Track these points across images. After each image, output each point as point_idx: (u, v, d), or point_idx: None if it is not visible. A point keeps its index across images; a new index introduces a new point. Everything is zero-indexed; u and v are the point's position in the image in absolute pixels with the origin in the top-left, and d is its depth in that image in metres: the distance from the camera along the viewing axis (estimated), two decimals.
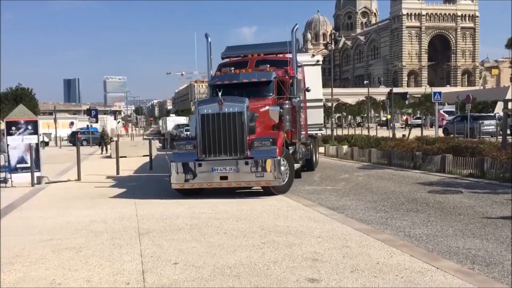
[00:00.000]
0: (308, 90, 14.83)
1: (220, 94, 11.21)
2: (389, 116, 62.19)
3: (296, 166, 12.49)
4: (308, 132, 15.79)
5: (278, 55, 13.57)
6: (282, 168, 10.58)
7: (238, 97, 11.28)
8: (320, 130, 17.54)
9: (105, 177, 16.12)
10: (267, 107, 11.53)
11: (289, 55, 12.91)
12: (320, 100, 17.08)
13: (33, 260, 6.06)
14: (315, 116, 16.51)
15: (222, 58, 14.67)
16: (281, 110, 11.58)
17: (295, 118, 12.51)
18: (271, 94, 12.02)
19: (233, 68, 12.91)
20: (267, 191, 10.73)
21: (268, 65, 12.44)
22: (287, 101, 11.84)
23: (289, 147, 12.16)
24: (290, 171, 11.08)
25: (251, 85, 12.15)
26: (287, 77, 12.35)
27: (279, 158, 10.31)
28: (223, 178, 10.39)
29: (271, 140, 10.47)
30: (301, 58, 16.05)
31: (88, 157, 27.20)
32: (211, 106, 10.66)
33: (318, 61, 17.25)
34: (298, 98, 12.29)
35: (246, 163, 10.29)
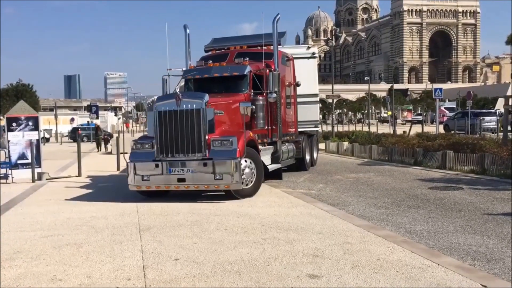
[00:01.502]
0: (298, 84, 14.24)
1: (186, 89, 10.92)
2: (389, 113, 62.18)
3: (275, 166, 12.03)
4: (301, 129, 15.23)
5: (263, 48, 12.58)
6: (247, 170, 9.94)
7: (198, 93, 10.71)
8: (316, 127, 16.69)
9: (106, 174, 16.12)
10: (238, 103, 10.75)
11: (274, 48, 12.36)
12: (316, 95, 16.15)
13: (34, 256, 6.06)
14: (310, 112, 15.78)
15: (206, 51, 14.17)
16: (253, 107, 10.93)
17: (274, 115, 11.99)
18: (245, 89, 11.33)
19: (210, 61, 12.37)
20: (230, 194, 9.89)
21: (247, 58, 11.73)
22: (260, 97, 11.17)
23: (269, 146, 11.80)
24: (257, 174, 10.22)
25: (225, 80, 11.59)
26: (267, 71, 11.56)
27: (239, 159, 9.46)
28: (181, 180, 9.64)
29: (231, 139, 9.61)
30: (296, 50, 15.64)
31: (88, 154, 27.21)
32: (168, 103, 9.93)
33: (313, 53, 16.16)
34: (274, 94, 11.35)
35: (205, 165, 9.52)
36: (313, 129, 16.42)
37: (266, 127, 11.72)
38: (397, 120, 55.93)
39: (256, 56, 12.17)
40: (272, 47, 12.25)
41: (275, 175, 12.61)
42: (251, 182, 10.12)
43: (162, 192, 10.22)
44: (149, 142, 10.06)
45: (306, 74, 15.14)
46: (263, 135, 11.73)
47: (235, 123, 10.59)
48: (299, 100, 14.79)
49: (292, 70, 14.16)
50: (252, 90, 11.33)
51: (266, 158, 11.66)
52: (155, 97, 11.61)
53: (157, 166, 9.75)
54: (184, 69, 12.73)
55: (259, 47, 12.63)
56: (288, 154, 13.39)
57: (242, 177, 9.73)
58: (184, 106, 9.74)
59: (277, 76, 11.55)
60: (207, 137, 9.65)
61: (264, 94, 11.44)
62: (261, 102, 11.09)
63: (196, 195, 10.56)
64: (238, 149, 9.53)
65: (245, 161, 9.92)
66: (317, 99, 16.37)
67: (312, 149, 16.25)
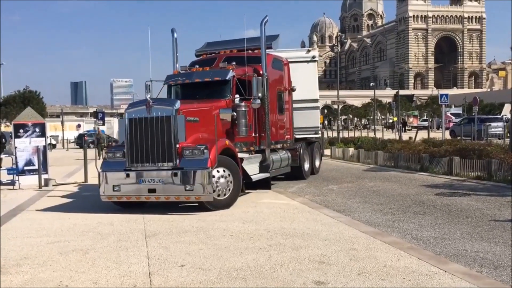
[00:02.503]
0: (293, 89, 13.78)
1: (168, 95, 10.63)
2: (395, 119, 62.02)
3: (261, 176, 11.52)
4: (299, 135, 14.79)
5: (254, 51, 12.28)
6: (222, 180, 9.49)
7: (169, 99, 10.37)
8: (316, 133, 15.92)
9: None
10: (217, 110, 10.35)
11: (268, 51, 12.05)
12: (315, 100, 15.54)
13: (40, 262, 6.08)
14: (309, 118, 15.17)
15: (196, 56, 13.81)
16: (234, 114, 10.46)
17: (263, 121, 11.58)
18: (228, 95, 10.88)
19: (197, 66, 12.09)
20: (204, 206, 9.36)
21: (234, 63, 11.33)
22: (243, 103, 10.62)
23: (257, 154, 11.42)
24: (234, 184, 9.72)
25: (208, 85, 11.21)
26: (255, 75, 11.12)
27: (210, 169, 9.00)
28: (151, 191, 9.25)
29: (202, 148, 9.12)
30: (294, 54, 15.11)
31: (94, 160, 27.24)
32: (138, 110, 9.55)
33: (313, 57, 15.42)
34: (258, 100, 10.87)
35: (175, 175, 9.08)
36: (313, 136, 15.82)
37: (253, 135, 11.36)
38: (405, 126, 55.81)
39: (247, 60, 11.71)
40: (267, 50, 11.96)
41: (263, 185, 12.01)
42: (227, 193, 9.63)
43: (136, 203, 9.76)
44: (120, 151, 9.70)
45: (305, 79, 14.73)
46: (249, 143, 11.32)
47: (217, 131, 9.93)
48: (297, 105, 14.38)
49: (287, 74, 13.70)
50: (239, 96, 10.83)
51: (252, 167, 11.24)
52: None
53: (127, 176, 9.40)
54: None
55: (249, 51, 12.32)
56: (281, 162, 12.84)
57: (217, 187, 9.37)
58: (154, 113, 9.34)
59: (261, 81, 11.15)
60: (177, 146, 9.23)
61: (252, 99, 11.02)
62: (243, 109, 10.50)
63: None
64: (209, 159, 9.07)
65: (220, 171, 9.50)
66: (317, 104, 15.89)
67: (313, 157, 15.67)
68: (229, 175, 9.68)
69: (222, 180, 9.54)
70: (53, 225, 8.49)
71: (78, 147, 45.69)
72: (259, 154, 11.68)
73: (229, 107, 10.54)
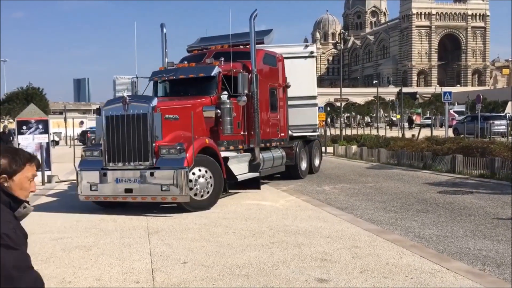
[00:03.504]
0: (288, 86, 13.39)
1: (154, 92, 10.54)
2: (398, 116, 61.95)
3: (249, 175, 11.15)
4: (296, 133, 14.40)
5: (246, 46, 11.84)
6: (201, 180, 9.15)
7: (146, 96, 10.18)
8: (314, 131, 15.43)
9: None
10: (201, 107, 10.07)
11: (260, 46, 11.87)
12: (313, 97, 14.91)
13: (43, 259, 6.10)
14: (307, 116, 14.63)
15: (188, 51, 13.56)
16: (218, 111, 10.18)
17: (252, 119, 11.23)
18: (214, 91, 10.55)
19: (185, 62, 11.82)
20: (182, 207, 9.08)
21: (223, 58, 10.98)
22: (227, 100, 10.24)
23: (246, 153, 11.14)
24: (215, 184, 9.38)
25: (193, 82, 10.88)
26: (241, 71, 10.79)
27: (187, 168, 8.71)
28: (128, 190, 9.00)
29: (178, 147, 8.82)
30: (291, 49, 14.61)
31: None
32: (115, 107, 9.27)
33: (312, 52, 14.80)
34: (244, 97, 10.50)
35: (151, 174, 8.80)
36: (311, 134, 15.30)
37: (242, 133, 11.09)
38: (405, 124, 55.68)
39: (238, 56, 11.44)
40: (257, 46, 11.68)
41: (253, 185, 11.55)
42: (207, 193, 9.27)
43: (117, 203, 9.56)
44: (98, 149, 9.52)
45: (303, 75, 14.30)
46: (237, 141, 11.03)
47: (199, 129, 9.68)
48: (294, 102, 13.95)
49: (282, 70, 13.30)
50: (226, 93, 10.45)
51: (240, 166, 10.90)
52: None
53: (104, 175, 9.19)
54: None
55: (241, 46, 12.09)
56: (274, 161, 12.50)
57: (195, 188, 9.05)
58: (131, 110, 9.08)
59: (247, 77, 10.81)
60: (154, 144, 8.94)
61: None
62: (228, 106, 10.15)
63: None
64: (186, 158, 8.74)
65: (199, 170, 9.19)
66: (315, 101, 15.26)
67: (311, 155, 15.13)
68: (209, 174, 9.33)
69: (201, 180, 9.18)
70: (56, 222, 8.52)
71: (81, 144, 45.79)
72: (249, 153, 11.34)
73: (213, 104, 10.24)
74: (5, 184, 1.92)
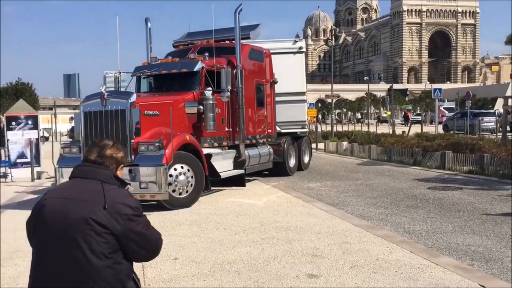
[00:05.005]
0: (275, 82, 13.24)
1: (142, 87, 10.49)
2: (389, 113, 62.19)
3: (232, 173, 10.99)
4: (284, 130, 14.22)
5: (232, 41, 11.71)
6: (181, 177, 9.02)
7: (124, 92, 10.09)
8: (303, 128, 15.35)
9: None
10: (182, 103, 9.95)
11: (247, 41, 11.75)
12: (302, 93, 14.80)
13: None
14: (295, 112, 14.49)
15: (174, 46, 13.42)
16: (201, 107, 10.05)
17: (237, 115, 11.13)
18: (197, 87, 10.42)
19: (170, 57, 11.73)
20: (163, 205, 8.90)
21: (207, 54, 10.78)
22: (210, 96, 10.12)
23: (231, 150, 11.01)
24: (195, 182, 9.25)
25: (176, 77, 10.77)
26: (228, 67, 10.71)
27: (165, 166, 8.58)
28: None
29: (157, 144, 8.67)
30: (280, 44, 14.42)
31: None
32: (94, 103, 9.11)
33: (301, 48, 14.60)
34: (227, 93, 10.39)
35: (130, 171, 8.59)
36: (300, 130, 15.21)
37: (226, 129, 10.96)
38: (397, 120, 55.90)
39: (222, 51, 11.37)
40: (243, 41, 11.54)
41: (237, 182, 11.40)
42: (187, 191, 9.15)
43: None
44: (76, 146, 9.42)
45: (292, 70, 14.14)
46: (221, 138, 10.89)
47: (180, 125, 9.62)
48: (282, 98, 13.83)
49: (269, 66, 13.14)
50: (211, 89, 10.35)
51: (224, 163, 10.77)
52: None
53: None
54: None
55: (227, 41, 11.92)
56: (260, 158, 12.38)
57: (175, 185, 8.93)
58: (109, 106, 8.94)
59: (230, 73, 10.62)
60: (132, 141, 8.82)
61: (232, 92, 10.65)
62: (210, 102, 10.05)
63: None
64: (164, 155, 8.60)
65: (179, 167, 9.07)
66: (304, 97, 15.21)
67: (300, 152, 14.96)
68: (189, 171, 9.20)
69: (181, 177, 9.06)
70: None
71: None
72: (234, 149, 11.19)
73: (196, 100, 10.12)
74: (117, 172, 2.42)
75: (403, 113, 71.03)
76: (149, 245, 2.35)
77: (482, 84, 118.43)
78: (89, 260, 2.13)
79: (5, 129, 14.84)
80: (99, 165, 2.36)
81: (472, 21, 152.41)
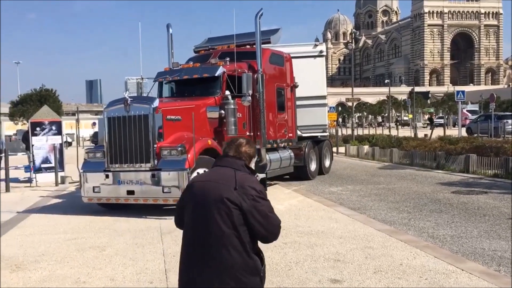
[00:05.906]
0: (296, 86, 13.23)
1: (164, 92, 10.48)
2: (410, 116, 61.48)
3: (258, 176, 11.04)
4: (305, 134, 14.21)
5: (253, 46, 11.68)
6: None
7: (147, 97, 10.14)
8: (324, 132, 15.33)
9: None
10: (204, 108, 10.01)
11: (267, 46, 11.77)
12: (323, 97, 14.84)
13: (58, 259, 6.16)
14: (316, 116, 14.49)
15: (195, 52, 13.51)
16: (222, 112, 10.13)
17: (258, 120, 11.12)
18: (218, 91, 10.47)
19: (191, 62, 11.82)
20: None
21: (228, 58, 10.85)
22: (231, 101, 10.18)
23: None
24: None
25: (198, 82, 10.83)
26: (249, 72, 10.70)
27: (188, 170, 8.60)
28: (130, 192, 8.97)
29: (179, 148, 8.76)
30: (300, 49, 14.44)
31: None
32: (117, 108, 9.22)
33: (321, 51, 14.58)
34: (248, 97, 10.39)
35: (153, 176, 8.74)
36: (321, 134, 15.19)
37: (248, 133, 10.91)
38: (418, 124, 55.24)
39: (244, 56, 11.38)
40: (264, 45, 11.56)
41: None
42: None
43: (120, 205, 9.47)
44: (100, 151, 9.49)
45: (312, 74, 14.13)
46: None
47: (202, 130, 9.70)
48: (303, 102, 13.85)
49: (289, 70, 13.13)
50: (230, 93, 10.41)
51: None
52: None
53: (107, 176, 9.14)
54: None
55: (248, 46, 11.89)
56: (281, 162, 12.35)
57: None
58: (132, 111, 9.04)
59: (251, 77, 10.62)
60: (156, 146, 8.88)
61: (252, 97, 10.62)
62: (232, 107, 10.12)
63: None
64: (187, 159, 8.67)
65: (201, 172, 8.86)
66: (325, 101, 15.15)
67: (321, 156, 14.90)
68: None
69: None
70: (70, 222, 8.59)
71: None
72: None
73: (217, 105, 10.17)
74: (250, 164, 2.93)
75: (427, 116, 70.12)
76: (270, 226, 2.81)
77: (506, 86, 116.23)
78: (221, 227, 2.66)
79: (29, 134, 15.13)
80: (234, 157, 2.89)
81: (495, 22, 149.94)
